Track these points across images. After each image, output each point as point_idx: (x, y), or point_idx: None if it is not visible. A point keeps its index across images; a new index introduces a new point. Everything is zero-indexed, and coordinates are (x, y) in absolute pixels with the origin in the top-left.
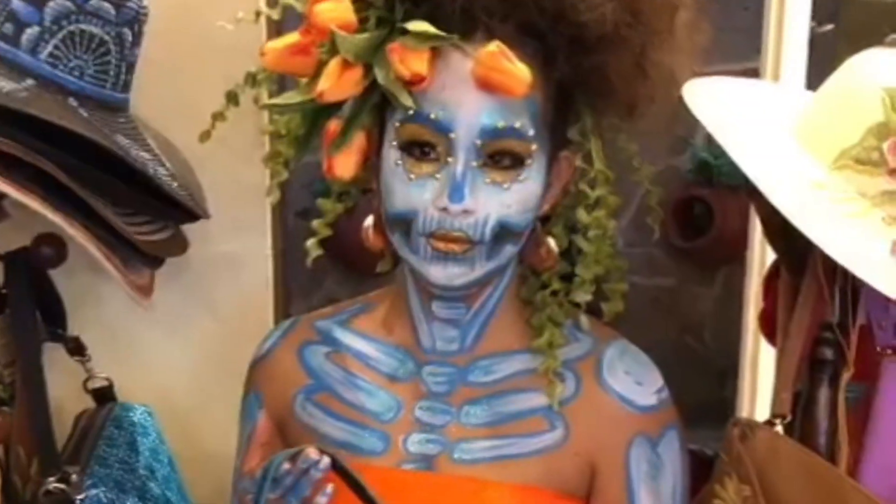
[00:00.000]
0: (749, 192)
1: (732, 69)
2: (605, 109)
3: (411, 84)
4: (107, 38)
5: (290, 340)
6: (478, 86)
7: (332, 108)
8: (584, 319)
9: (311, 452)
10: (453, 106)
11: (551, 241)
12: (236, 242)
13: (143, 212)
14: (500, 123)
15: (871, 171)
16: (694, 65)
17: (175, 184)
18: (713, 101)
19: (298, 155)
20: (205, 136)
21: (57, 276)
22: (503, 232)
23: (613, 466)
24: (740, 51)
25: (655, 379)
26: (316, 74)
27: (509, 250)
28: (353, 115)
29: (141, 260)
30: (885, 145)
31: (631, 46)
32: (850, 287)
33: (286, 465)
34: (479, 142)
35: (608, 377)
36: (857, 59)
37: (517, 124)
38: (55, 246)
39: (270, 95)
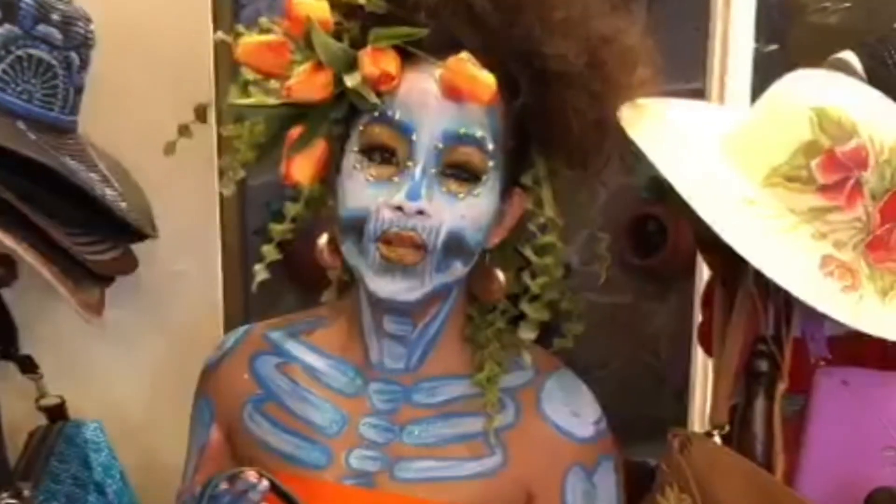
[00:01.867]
0: (684, 210)
1: (679, 90)
2: (558, 157)
3: (379, 84)
4: (54, 62)
5: (242, 349)
6: (444, 92)
7: (296, 119)
8: (527, 349)
9: (251, 476)
10: (417, 109)
11: (500, 274)
12: (186, 261)
13: (93, 232)
14: (462, 130)
15: (800, 189)
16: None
17: (123, 204)
18: (649, 121)
19: (256, 160)
20: (170, 147)
21: (8, 294)
22: (455, 244)
23: (549, 494)
24: (687, 71)
25: (593, 410)
26: (285, 77)
27: (458, 268)
28: (317, 120)
29: (91, 279)
30: (814, 163)
31: (590, 92)
32: (783, 300)
33: (224, 485)
34: (440, 145)
35: (546, 407)
36: (788, 79)
37: (478, 134)
38: (6, 266)
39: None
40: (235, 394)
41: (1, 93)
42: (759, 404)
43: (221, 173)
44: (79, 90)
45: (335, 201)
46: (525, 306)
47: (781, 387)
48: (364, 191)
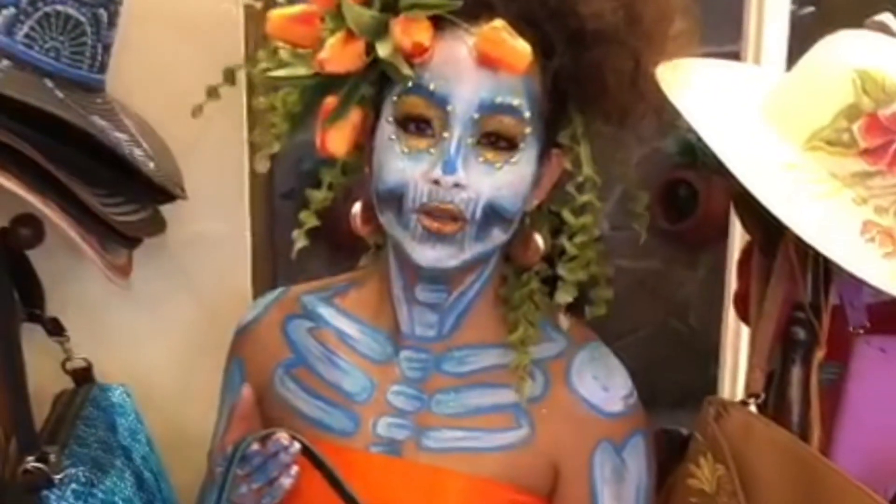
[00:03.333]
0: (724, 174)
1: (714, 52)
2: (596, 114)
3: (412, 56)
4: (83, 19)
5: (275, 312)
6: (478, 62)
7: (330, 88)
8: (563, 319)
9: (283, 437)
10: (453, 79)
11: (538, 238)
12: (215, 223)
13: (120, 192)
14: (498, 99)
15: (842, 153)
16: None
17: (152, 164)
18: (688, 84)
19: (291, 131)
20: (197, 110)
21: (35, 256)
22: (493, 214)
23: (577, 469)
24: (723, 34)
25: (624, 384)
26: (317, 48)
27: (497, 235)
28: (351, 91)
29: (118, 240)
30: (856, 126)
31: (627, 48)
32: (822, 267)
33: (255, 446)
34: (476, 115)
35: (576, 380)
36: (829, 40)
37: (515, 102)
38: (33, 227)
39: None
40: (267, 356)
41: (28, 50)
42: (796, 372)
43: (252, 145)
44: (107, 48)
45: (370, 170)
46: (562, 268)
47: (819, 355)
48: (400, 164)
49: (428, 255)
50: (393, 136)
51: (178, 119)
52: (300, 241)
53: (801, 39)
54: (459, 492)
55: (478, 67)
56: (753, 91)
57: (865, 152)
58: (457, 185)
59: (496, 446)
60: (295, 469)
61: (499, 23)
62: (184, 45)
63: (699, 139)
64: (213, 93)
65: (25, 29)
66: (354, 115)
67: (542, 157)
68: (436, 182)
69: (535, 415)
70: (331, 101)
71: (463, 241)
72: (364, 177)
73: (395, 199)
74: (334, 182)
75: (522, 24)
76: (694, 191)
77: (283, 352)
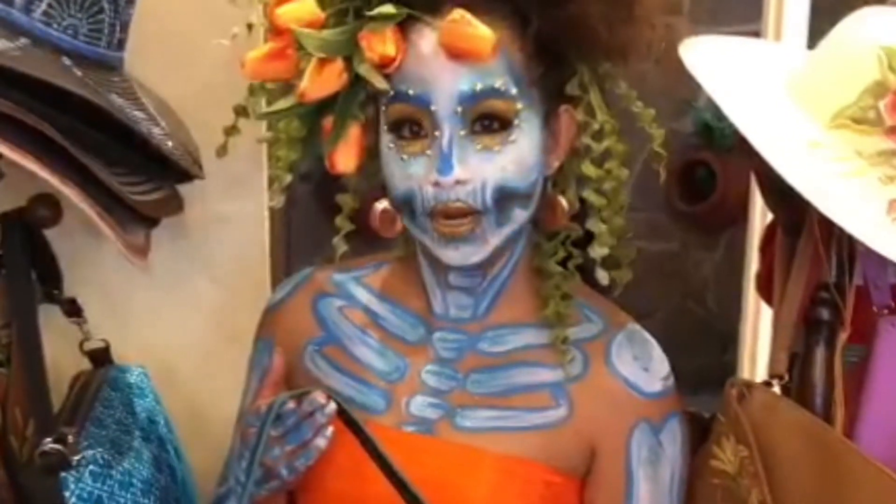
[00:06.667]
0: (747, 153)
1: (736, 31)
2: (596, 58)
3: (384, 66)
4: None
5: (305, 291)
6: (447, 55)
7: (327, 107)
8: (597, 301)
9: (319, 396)
10: (429, 79)
11: (563, 200)
12: (232, 202)
13: (138, 172)
14: (479, 86)
15: (867, 131)
16: None
17: (170, 143)
18: (711, 61)
19: (301, 157)
20: (221, 151)
21: (52, 236)
22: (506, 196)
23: (614, 449)
24: (743, 13)
25: (663, 366)
26: (299, 76)
27: (519, 214)
28: (344, 109)
29: (136, 220)
30: (882, 104)
31: None
32: (846, 247)
33: (291, 404)
34: (459, 108)
35: (616, 361)
36: (854, 17)
37: (496, 83)
38: (50, 207)
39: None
40: (296, 335)
41: (46, 28)
42: (820, 354)
43: (271, 182)
44: (125, 25)
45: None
46: (592, 224)
47: (843, 336)
48: (403, 171)
49: (452, 255)
50: (391, 145)
51: (196, 98)
52: (340, 248)
53: (822, 19)
54: (493, 471)
55: (448, 61)
56: (777, 69)
57: (892, 130)
58: (458, 182)
59: (533, 425)
60: (330, 430)
61: (457, 14)
62: (203, 25)
63: (721, 118)
64: (231, 131)
65: (44, 6)
66: (353, 131)
67: (548, 120)
68: (437, 184)
69: (573, 394)
70: (328, 121)
71: (484, 235)
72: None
73: (407, 205)
74: (357, 187)
75: (490, 2)
76: (711, 172)
77: (314, 330)
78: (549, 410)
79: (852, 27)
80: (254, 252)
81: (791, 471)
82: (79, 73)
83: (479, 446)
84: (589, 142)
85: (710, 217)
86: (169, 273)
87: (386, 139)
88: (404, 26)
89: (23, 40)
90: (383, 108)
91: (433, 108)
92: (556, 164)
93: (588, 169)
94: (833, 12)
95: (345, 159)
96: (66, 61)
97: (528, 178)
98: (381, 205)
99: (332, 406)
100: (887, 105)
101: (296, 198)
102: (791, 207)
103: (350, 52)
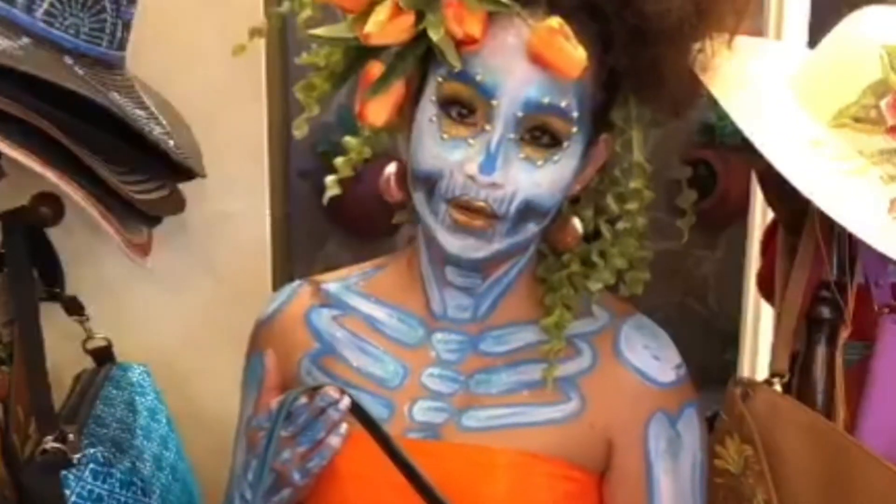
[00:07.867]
0: (748, 151)
1: None
2: (651, 102)
3: (462, 44)
4: None
5: (296, 303)
6: (530, 58)
7: (376, 49)
8: (601, 295)
9: (332, 390)
10: (502, 73)
11: (577, 222)
12: (234, 201)
13: (140, 170)
14: (546, 99)
15: (869, 130)
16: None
17: (171, 142)
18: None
19: (332, 91)
20: (238, 49)
21: (54, 235)
22: (528, 210)
23: (631, 442)
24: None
25: (673, 355)
26: (364, 12)
27: (531, 229)
28: (396, 63)
29: (138, 219)
30: (884, 103)
31: (690, 45)
32: (847, 246)
33: (303, 400)
34: (520, 114)
35: (626, 351)
36: (855, 16)
37: (563, 103)
38: (52, 205)
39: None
40: (291, 348)
41: (48, 27)
42: (821, 352)
43: (272, 125)
44: (127, 25)
45: (408, 142)
46: (597, 254)
47: (844, 334)
48: (438, 149)
49: (454, 244)
50: (433, 119)
51: (199, 97)
52: (332, 190)
53: (822, 17)
54: (508, 469)
55: (528, 63)
56: (778, 67)
57: (893, 129)
58: (493, 185)
59: (544, 420)
60: (344, 427)
61: (556, 22)
62: (204, 24)
63: (722, 117)
64: (239, 50)
65: (45, 6)
66: (397, 88)
67: (588, 148)
68: (471, 178)
69: (584, 387)
70: (375, 68)
71: (493, 236)
72: (389, 142)
73: (429, 183)
74: (356, 155)
75: (583, 16)
76: (712, 170)
77: (308, 342)
78: (561, 405)
79: (854, 26)
80: (255, 250)
81: (796, 469)
82: (80, 72)
83: (490, 445)
84: (618, 175)
85: (711, 215)
86: (170, 271)
87: (430, 111)
88: (493, 12)
89: (25, 39)
90: (440, 79)
91: (495, 102)
92: (579, 188)
93: (610, 202)
94: (834, 11)
95: (377, 112)
96: (68, 60)
97: (554, 198)
98: (392, 168)
99: (347, 401)
100: (889, 104)
101: (296, 197)
102: (792, 206)
103: (432, 11)
